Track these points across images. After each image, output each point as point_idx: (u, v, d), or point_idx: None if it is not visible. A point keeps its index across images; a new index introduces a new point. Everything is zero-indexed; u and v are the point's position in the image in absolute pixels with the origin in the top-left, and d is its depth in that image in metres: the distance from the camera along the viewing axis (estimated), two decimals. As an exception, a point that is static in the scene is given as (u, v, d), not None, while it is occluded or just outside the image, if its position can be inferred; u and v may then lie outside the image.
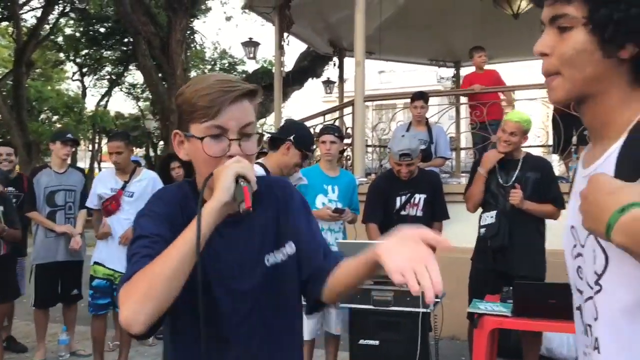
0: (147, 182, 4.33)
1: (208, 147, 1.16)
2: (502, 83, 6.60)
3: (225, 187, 1.09)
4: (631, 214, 0.81)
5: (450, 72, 10.75)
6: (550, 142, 7.82)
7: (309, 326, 3.65)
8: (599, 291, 0.97)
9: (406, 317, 3.21)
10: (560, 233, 4.17)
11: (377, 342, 3.28)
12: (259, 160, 3.20)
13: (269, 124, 23.97)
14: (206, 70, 23.10)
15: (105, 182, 4.29)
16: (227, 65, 22.24)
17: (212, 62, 23.11)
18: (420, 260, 0.94)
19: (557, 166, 8.87)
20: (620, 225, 0.81)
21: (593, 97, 0.98)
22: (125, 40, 18.73)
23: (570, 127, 6.00)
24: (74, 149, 5.77)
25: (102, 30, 19.55)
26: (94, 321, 4.29)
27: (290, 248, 1.29)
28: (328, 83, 14.09)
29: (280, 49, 8.01)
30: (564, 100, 1.00)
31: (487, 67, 6.85)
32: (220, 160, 1.16)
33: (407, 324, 3.22)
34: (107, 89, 24.58)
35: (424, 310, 3.20)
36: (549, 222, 3.78)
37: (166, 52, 12.67)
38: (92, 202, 4.37)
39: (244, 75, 17.91)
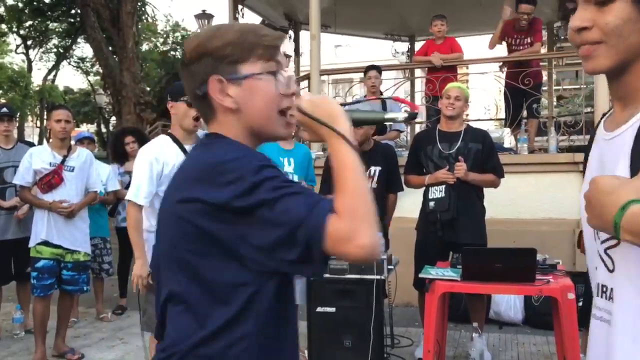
0: (85, 157, 4.25)
1: (278, 84, 1.13)
2: (457, 51, 6.60)
3: (342, 112, 1.09)
4: (631, 211, 0.86)
5: (405, 46, 10.85)
6: (500, 116, 8.07)
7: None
8: (616, 244, 1.02)
9: (361, 285, 3.33)
10: (495, 202, 4.38)
11: (333, 309, 3.39)
12: (169, 131, 3.18)
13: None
14: (158, 44, 22.48)
15: (42, 156, 4.10)
16: (180, 38, 21.69)
17: (165, 35, 22.50)
18: None
19: (508, 138, 9.11)
20: (624, 223, 0.87)
21: (631, 66, 1.02)
22: (73, 11, 17.98)
23: (519, 101, 6.21)
24: (16, 123, 5.61)
25: (47, 0, 18.68)
26: (38, 303, 4.11)
27: None
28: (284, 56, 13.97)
29: (234, 21, 7.91)
30: (607, 69, 1.02)
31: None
32: (282, 98, 1.14)
33: (362, 291, 3.34)
34: (54, 62, 23.62)
35: (378, 277, 3.32)
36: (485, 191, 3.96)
37: (116, 25, 12.26)
38: (24, 178, 4.08)
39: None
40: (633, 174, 0.97)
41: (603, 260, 1.06)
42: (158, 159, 3.02)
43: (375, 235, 0.98)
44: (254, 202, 0.98)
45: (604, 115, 1.18)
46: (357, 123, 1.16)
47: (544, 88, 7.68)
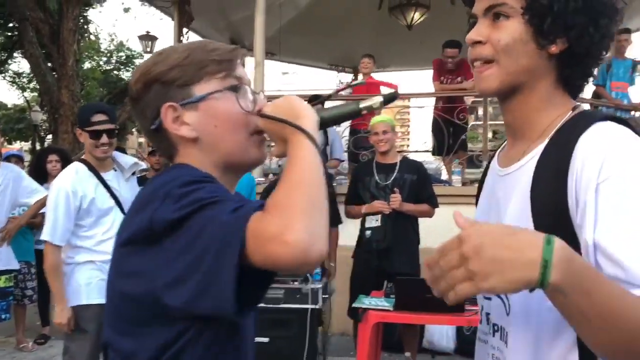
0: (11, 174, 4.02)
1: (240, 101, 0.97)
2: (374, 92, 6.89)
3: (309, 109, 0.94)
4: (560, 245, 0.70)
5: (349, 77, 11.10)
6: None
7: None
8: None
9: (295, 314, 3.32)
10: (431, 232, 4.48)
11: (266, 340, 3.35)
12: (83, 158, 3.00)
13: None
14: (101, 62, 21.99)
15: None
16: (124, 58, 21.31)
17: (108, 54, 22.05)
18: None
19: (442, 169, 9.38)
20: (557, 261, 0.69)
21: (520, 92, 0.98)
22: (10, 25, 17.35)
23: (449, 133, 6.47)
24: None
25: (-18, 12, 17.95)
26: None
27: None
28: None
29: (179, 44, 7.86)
30: (495, 90, 0.98)
31: (380, 75, 7.15)
32: (249, 117, 0.98)
33: (296, 321, 3.33)
34: (-13, 76, 22.61)
35: (313, 307, 3.32)
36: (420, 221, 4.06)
37: (56, 41, 11.91)
38: None
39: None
40: (535, 217, 0.90)
41: (500, 296, 0.98)
42: (75, 192, 2.79)
43: (313, 231, 0.78)
44: (171, 220, 0.83)
45: (500, 148, 1.13)
46: (329, 121, 1.02)
47: (479, 122, 8.01)
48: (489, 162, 1.15)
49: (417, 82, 10.30)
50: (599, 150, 0.86)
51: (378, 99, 1.02)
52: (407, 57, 9.66)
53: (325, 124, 0.99)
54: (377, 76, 7.18)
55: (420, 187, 3.95)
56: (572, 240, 0.82)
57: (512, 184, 0.98)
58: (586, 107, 4.61)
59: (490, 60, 0.96)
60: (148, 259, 0.86)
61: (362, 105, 1.02)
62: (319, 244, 0.78)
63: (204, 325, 0.89)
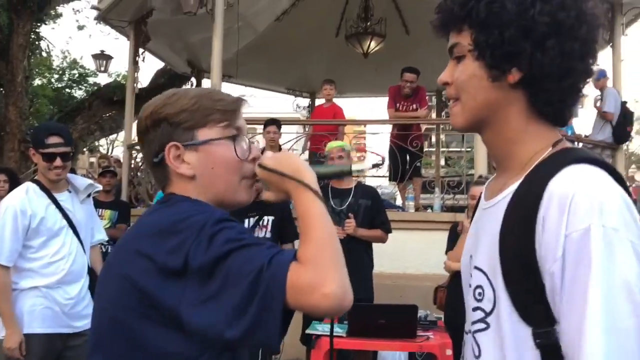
0: None
1: (237, 149, 1.09)
2: (339, 117, 7.02)
3: (307, 165, 1.05)
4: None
5: (306, 102, 11.18)
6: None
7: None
8: (485, 329, 0.95)
9: (247, 341, 3.26)
10: (384, 257, 4.51)
11: (217, 367, 3.27)
12: (36, 178, 2.93)
13: (120, 140, 22.83)
14: (52, 80, 21.41)
15: None
16: (76, 76, 20.83)
17: (60, 72, 21.51)
18: None
19: (396, 194, 9.51)
20: None
21: (492, 126, 0.99)
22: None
23: (403, 160, 6.59)
24: None
25: None
26: None
27: None
28: (186, 103, 13.80)
29: (134, 64, 7.74)
30: (462, 126, 1.01)
31: (336, 100, 7.26)
32: (243, 164, 1.10)
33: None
34: None
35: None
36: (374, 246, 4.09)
37: (5, 57, 11.55)
38: None
39: (95, 88, 16.91)
40: (502, 259, 0.91)
41: (471, 341, 1.00)
42: (24, 210, 2.70)
43: (344, 283, 0.90)
44: (209, 259, 0.90)
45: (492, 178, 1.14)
46: (323, 177, 1.15)
47: (432, 149, 8.20)
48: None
49: (373, 108, 10.47)
50: (566, 198, 0.83)
51: (368, 164, 1.18)
52: (363, 84, 9.83)
53: (319, 179, 1.08)
54: (339, 101, 7.29)
55: (374, 212, 3.99)
56: (539, 286, 0.85)
57: (488, 219, 0.99)
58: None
59: (456, 99, 1.00)
60: (176, 294, 0.92)
61: (354, 167, 1.26)
62: (349, 294, 0.91)
63: (217, 353, 0.98)
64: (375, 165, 1.20)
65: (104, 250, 5.02)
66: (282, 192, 1.05)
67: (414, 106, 6.52)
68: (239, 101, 1.14)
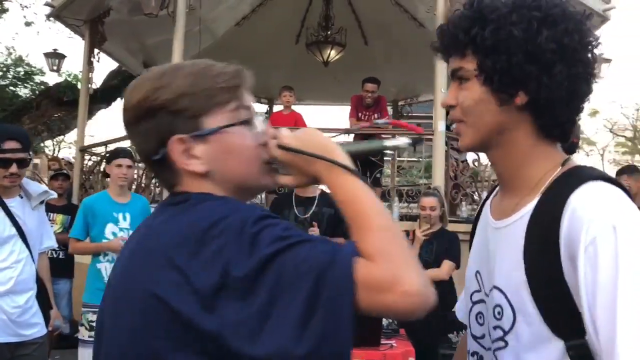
0: None
1: (253, 134, 0.92)
2: (301, 125, 7.00)
3: (333, 142, 0.90)
4: None
5: (264, 107, 11.14)
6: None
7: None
8: (504, 347, 0.96)
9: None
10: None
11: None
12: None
13: (68, 142, 22.10)
14: (-4, 77, 20.52)
15: None
16: (22, 73, 20.04)
17: (5, 69, 20.65)
18: None
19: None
20: None
21: (499, 147, 0.99)
22: None
23: (364, 170, 6.65)
24: None
25: None
26: None
27: None
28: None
29: (89, 64, 7.53)
30: (470, 146, 1.01)
31: (295, 107, 7.26)
32: (261, 149, 0.92)
33: None
34: None
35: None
36: None
37: (-54, 51, 11.01)
38: None
39: (42, 88, 16.30)
40: (529, 277, 0.91)
41: (491, 358, 1.01)
42: None
43: (425, 278, 0.77)
44: (255, 265, 0.75)
45: (489, 194, 1.13)
46: (353, 156, 0.95)
47: (388, 158, 8.31)
48: (481, 208, 1.15)
49: (331, 117, 10.55)
50: (587, 214, 0.85)
51: (405, 140, 1.00)
52: (323, 92, 9.89)
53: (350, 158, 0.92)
54: (297, 108, 7.28)
55: (337, 221, 4.00)
56: (568, 300, 0.86)
57: (505, 239, 0.99)
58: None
59: (461, 120, 1.00)
60: (218, 315, 0.75)
61: (387, 143, 1.02)
62: (433, 290, 0.77)
63: None
64: (415, 142, 0.89)
65: (55, 256, 4.85)
66: (308, 176, 0.90)
67: (376, 115, 6.62)
68: (240, 72, 0.95)
